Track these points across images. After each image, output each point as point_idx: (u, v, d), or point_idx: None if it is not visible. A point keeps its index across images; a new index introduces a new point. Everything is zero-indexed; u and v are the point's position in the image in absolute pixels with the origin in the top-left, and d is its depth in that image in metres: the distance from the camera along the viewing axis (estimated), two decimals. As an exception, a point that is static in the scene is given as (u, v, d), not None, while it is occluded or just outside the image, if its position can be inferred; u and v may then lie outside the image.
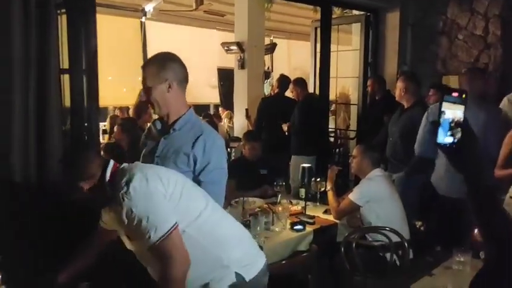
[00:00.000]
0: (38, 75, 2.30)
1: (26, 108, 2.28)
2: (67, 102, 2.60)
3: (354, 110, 5.99)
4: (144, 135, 2.24)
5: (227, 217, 1.86)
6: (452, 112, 1.00)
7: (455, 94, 1.01)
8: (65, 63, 2.49)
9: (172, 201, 1.61)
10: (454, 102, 1.00)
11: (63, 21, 2.51)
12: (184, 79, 2.00)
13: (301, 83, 5.09)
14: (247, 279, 1.73)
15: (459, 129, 0.99)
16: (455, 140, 0.99)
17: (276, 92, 5.63)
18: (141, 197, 1.54)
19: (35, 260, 1.97)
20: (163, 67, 1.94)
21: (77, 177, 1.66)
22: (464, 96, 1.00)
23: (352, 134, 5.98)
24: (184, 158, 1.93)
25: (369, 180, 3.02)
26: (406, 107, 3.91)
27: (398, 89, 3.91)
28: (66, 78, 2.55)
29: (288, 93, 5.46)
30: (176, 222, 1.57)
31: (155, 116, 2.21)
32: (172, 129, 2.01)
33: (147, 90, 1.96)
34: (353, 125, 6.03)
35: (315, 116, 4.90)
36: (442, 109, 1.00)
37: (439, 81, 4.96)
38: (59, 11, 2.47)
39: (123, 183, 1.56)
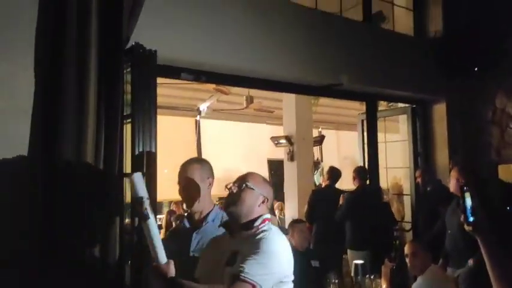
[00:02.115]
0: (102, 179, 2.53)
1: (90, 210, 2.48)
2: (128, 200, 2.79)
3: (407, 200, 5.85)
4: (169, 235, 2.30)
5: None
6: (468, 200, 1.45)
7: (465, 188, 1.48)
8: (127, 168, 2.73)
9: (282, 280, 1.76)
10: (466, 192, 1.46)
11: (127, 129, 2.80)
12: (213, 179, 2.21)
13: (359, 171, 5.07)
14: None
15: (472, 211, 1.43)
16: (473, 219, 1.43)
17: (326, 184, 5.66)
18: (271, 250, 1.73)
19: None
20: (203, 166, 2.18)
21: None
22: (465, 188, 1.48)
23: (407, 226, 5.78)
24: None
25: (426, 277, 2.89)
26: (463, 198, 3.79)
27: (453, 179, 3.76)
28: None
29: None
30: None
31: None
32: (205, 222, 2.13)
33: (188, 186, 2.13)
34: (407, 216, 5.85)
35: (365, 208, 4.83)
36: (465, 198, 1.45)
37: (495, 171, 4.83)
38: (124, 121, 2.77)
39: (272, 233, 1.80)
